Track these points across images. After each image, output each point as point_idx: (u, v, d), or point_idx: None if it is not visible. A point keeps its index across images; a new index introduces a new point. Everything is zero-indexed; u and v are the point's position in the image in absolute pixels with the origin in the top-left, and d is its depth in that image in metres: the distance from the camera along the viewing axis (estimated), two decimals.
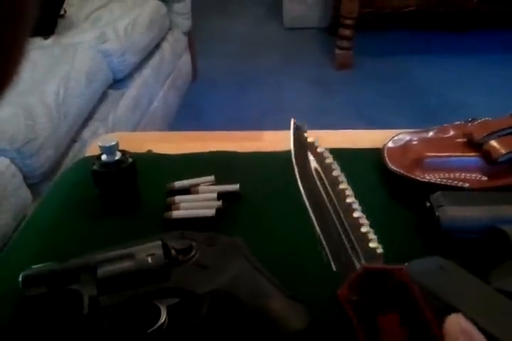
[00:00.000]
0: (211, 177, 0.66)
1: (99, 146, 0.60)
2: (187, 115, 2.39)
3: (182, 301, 0.46)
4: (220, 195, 0.63)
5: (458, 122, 0.70)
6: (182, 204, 0.62)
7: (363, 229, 0.36)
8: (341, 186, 0.38)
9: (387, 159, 0.67)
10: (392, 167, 0.65)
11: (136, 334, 0.44)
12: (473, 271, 0.46)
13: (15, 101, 1.33)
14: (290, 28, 3.32)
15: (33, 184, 1.35)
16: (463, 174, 0.62)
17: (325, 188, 0.38)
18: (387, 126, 0.80)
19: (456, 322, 0.30)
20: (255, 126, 2.02)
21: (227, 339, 0.45)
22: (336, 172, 0.39)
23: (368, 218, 0.61)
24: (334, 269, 0.36)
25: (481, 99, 2.40)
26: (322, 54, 3.00)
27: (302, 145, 0.41)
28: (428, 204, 0.57)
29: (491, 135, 0.63)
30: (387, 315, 0.31)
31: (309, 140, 0.43)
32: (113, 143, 0.60)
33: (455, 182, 0.62)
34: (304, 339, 0.43)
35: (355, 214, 0.37)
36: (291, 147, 0.44)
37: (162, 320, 0.45)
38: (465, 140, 0.66)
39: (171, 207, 0.62)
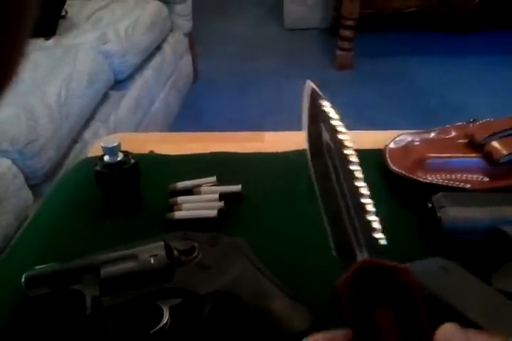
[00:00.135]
0: (213, 178, 0.66)
1: (102, 147, 0.60)
2: (188, 116, 2.39)
3: (184, 302, 0.46)
4: (222, 196, 0.63)
5: (459, 123, 0.71)
6: (184, 205, 0.62)
7: (369, 217, 0.34)
8: (351, 167, 0.35)
9: (388, 160, 0.67)
10: (394, 168, 0.65)
11: (139, 334, 0.45)
12: (475, 272, 0.46)
13: (16, 102, 1.33)
14: (291, 29, 3.32)
15: (34, 185, 1.35)
16: (464, 175, 0.62)
17: (334, 167, 0.35)
18: (387, 127, 0.80)
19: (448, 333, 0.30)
20: (255, 127, 2.01)
21: (230, 339, 0.45)
22: (348, 150, 0.36)
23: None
24: (334, 255, 0.35)
25: (482, 100, 2.40)
26: (323, 55, 3.00)
27: (316, 114, 0.38)
28: (430, 205, 0.57)
29: (493, 136, 0.63)
30: (382, 311, 0.31)
31: (325, 109, 0.39)
32: (115, 144, 0.60)
33: (457, 183, 0.62)
34: None
35: (363, 200, 0.35)
36: (304, 116, 0.40)
37: (164, 321, 0.45)
38: (466, 141, 0.66)
39: (173, 207, 0.62)
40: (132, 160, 0.62)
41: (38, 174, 1.34)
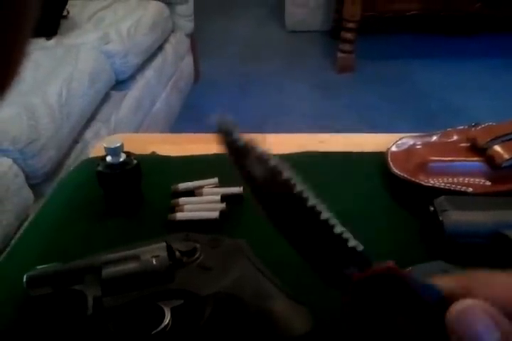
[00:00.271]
0: (215, 180, 0.66)
1: (104, 148, 0.60)
2: (189, 116, 2.39)
3: (186, 303, 0.46)
4: (224, 197, 0.63)
5: (461, 127, 0.71)
6: (186, 206, 0.62)
7: (336, 231, 0.34)
8: (297, 189, 0.33)
9: (390, 163, 0.67)
10: (396, 171, 0.65)
11: (140, 335, 0.45)
12: None
13: (17, 102, 1.33)
14: (292, 31, 3.32)
15: (35, 184, 1.35)
16: (467, 179, 0.62)
17: (279, 196, 0.33)
18: (388, 130, 0.80)
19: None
20: (256, 128, 2.01)
21: (231, 340, 0.45)
22: (286, 173, 0.33)
23: (370, 221, 0.62)
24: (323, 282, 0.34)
25: (483, 103, 2.40)
26: (324, 57, 3.01)
27: (236, 153, 0.34)
28: (432, 208, 0.57)
29: (495, 140, 0.64)
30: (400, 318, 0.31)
31: (242, 144, 0.34)
32: (118, 145, 0.60)
33: (459, 186, 0.62)
34: None
35: (323, 216, 0.34)
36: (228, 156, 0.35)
37: (166, 322, 0.45)
38: (469, 145, 0.66)
39: (175, 208, 0.62)
40: (134, 161, 0.62)
41: (38, 173, 1.34)
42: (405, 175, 0.64)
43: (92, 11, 1.98)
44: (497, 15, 2.78)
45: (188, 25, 2.42)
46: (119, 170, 0.61)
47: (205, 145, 0.78)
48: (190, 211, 0.62)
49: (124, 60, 1.81)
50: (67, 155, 1.50)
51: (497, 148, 0.63)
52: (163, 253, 0.48)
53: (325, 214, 0.34)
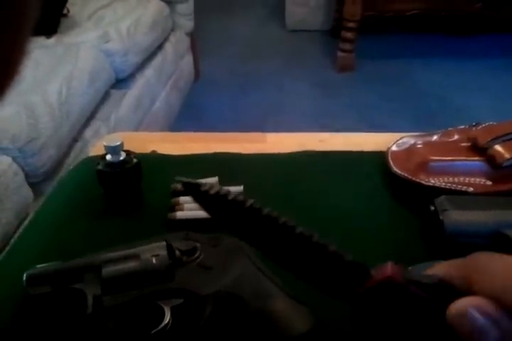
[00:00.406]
0: (215, 179, 0.66)
1: (104, 146, 0.60)
2: (188, 115, 2.39)
3: (186, 302, 0.46)
4: None
5: (462, 126, 0.70)
6: (186, 205, 0.62)
7: (331, 248, 0.34)
8: (282, 220, 0.34)
9: (391, 162, 0.67)
10: (396, 170, 0.65)
11: (140, 334, 0.44)
12: None
13: (17, 101, 1.33)
14: (292, 30, 3.32)
15: (34, 183, 1.35)
16: (467, 178, 0.62)
17: (269, 231, 0.34)
18: (388, 129, 0.80)
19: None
20: (256, 127, 2.02)
21: (231, 340, 0.45)
22: (266, 209, 0.34)
23: (370, 221, 0.62)
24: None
25: (483, 103, 2.40)
26: (324, 56, 3.00)
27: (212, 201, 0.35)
28: (432, 208, 0.57)
29: (496, 139, 0.63)
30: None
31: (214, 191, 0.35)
32: (118, 143, 0.60)
33: (459, 186, 0.62)
34: (307, 340, 0.43)
35: (315, 239, 0.35)
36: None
37: (166, 321, 0.45)
38: (469, 144, 0.66)
39: (175, 207, 0.62)
40: (135, 160, 0.62)
41: (38, 172, 1.34)
42: (406, 175, 0.64)
43: (92, 9, 1.98)
44: (497, 16, 2.78)
45: (188, 24, 2.42)
46: (119, 169, 0.61)
47: (206, 143, 0.78)
48: (190, 210, 0.61)
49: (123, 59, 1.80)
50: (66, 153, 1.50)
51: (498, 147, 0.63)
52: (163, 252, 0.47)
53: (315, 238, 0.35)
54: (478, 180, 0.62)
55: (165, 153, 0.75)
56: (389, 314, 0.32)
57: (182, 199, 0.63)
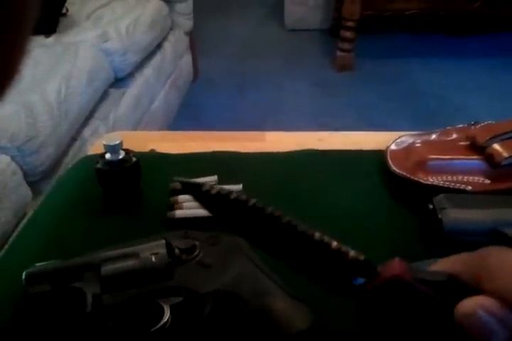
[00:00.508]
0: (214, 177, 0.66)
1: (104, 145, 0.60)
2: (187, 115, 2.39)
3: (185, 300, 0.46)
4: None
5: (461, 125, 0.71)
6: (185, 204, 0.62)
7: (333, 246, 0.34)
8: (285, 219, 0.34)
9: (390, 161, 0.67)
10: (395, 169, 0.65)
11: (139, 333, 0.44)
12: None
13: (16, 99, 1.33)
14: (291, 29, 3.32)
15: (33, 182, 1.35)
16: (466, 177, 0.62)
17: (272, 230, 0.35)
18: (387, 129, 0.80)
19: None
20: (255, 126, 2.02)
21: (230, 338, 0.45)
22: (269, 208, 0.34)
23: (368, 220, 0.62)
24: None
25: (482, 103, 2.41)
26: (323, 56, 3.01)
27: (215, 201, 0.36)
28: (431, 206, 0.57)
29: (494, 138, 0.64)
30: None
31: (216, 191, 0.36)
32: (117, 142, 0.60)
33: (458, 184, 0.62)
34: (306, 338, 0.43)
35: (317, 237, 0.35)
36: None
37: (165, 319, 0.45)
38: (468, 143, 0.66)
39: (174, 206, 0.62)
40: (134, 159, 0.62)
41: (36, 171, 1.34)
42: (404, 173, 0.64)
43: (91, 9, 1.98)
44: (496, 15, 2.78)
45: (187, 23, 2.42)
46: (118, 168, 0.61)
47: (204, 142, 0.78)
48: (190, 208, 0.61)
49: (122, 58, 1.80)
50: (65, 152, 1.50)
51: (496, 146, 0.63)
52: (163, 251, 0.47)
53: (317, 235, 0.35)
54: (476, 178, 0.62)
55: (164, 151, 0.75)
56: (396, 311, 0.32)
57: (181, 197, 0.63)
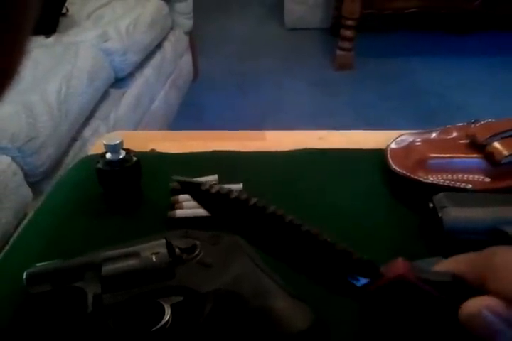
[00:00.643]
0: (214, 177, 0.66)
1: (104, 145, 0.60)
2: (187, 114, 2.39)
3: (186, 300, 0.46)
4: None
5: (461, 123, 0.71)
6: (186, 204, 0.62)
7: (339, 247, 0.34)
8: (288, 218, 0.34)
9: (390, 160, 0.67)
10: (395, 168, 0.65)
11: (140, 332, 0.45)
12: None
13: (16, 100, 1.33)
14: (291, 28, 3.32)
15: (33, 182, 1.35)
16: (466, 175, 0.62)
17: (274, 229, 0.34)
18: (387, 128, 0.80)
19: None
20: (255, 125, 2.02)
21: (231, 338, 0.45)
22: (272, 207, 0.34)
23: (368, 219, 0.62)
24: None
25: (483, 102, 2.40)
26: (323, 55, 3.00)
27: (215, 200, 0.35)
28: (431, 205, 0.57)
29: (494, 136, 0.64)
30: None
31: (216, 190, 0.35)
32: (118, 142, 0.60)
33: (458, 183, 0.62)
34: (307, 338, 0.43)
35: (321, 237, 0.34)
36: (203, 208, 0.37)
37: (166, 319, 0.45)
38: (468, 141, 0.66)
39: (174, 206, 0.62)
40: (134, 158, 0.62)
41: (37, 171, 1.34)
42: (404, 172, 0.64)
43: (91, 8, 1.98)
44: (496, 14, 2.78)
45: (187, 23, 2.42)
46: (118, 168, 0.61)
47: (205, 142, 0.78)
48: (190, 208, 0.62)
49: (123, 58, 1.80)
50: (66, 153, 1.50)
51: (496, 144, 0.63)
52: (163, 250, 0.48)
53: (322, 235, 0.34)
54: (476, 177, 0.62)
55: (164, 151, 0.75)
56: (400, 312, 0.32)
57: (181, 197, 0.63)
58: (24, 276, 0.48)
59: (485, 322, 0.28)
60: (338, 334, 0.46)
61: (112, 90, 1.80)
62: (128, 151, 0.62)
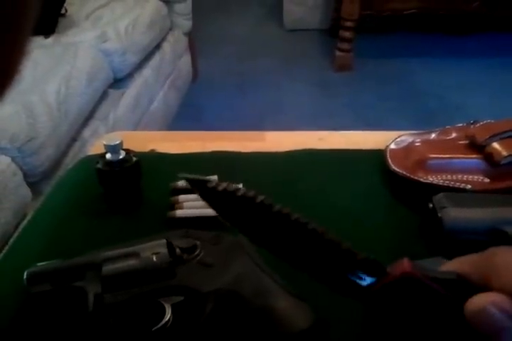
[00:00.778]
0: (214, 177, 0.66)
1: (104, 145, 0.60)
2: (187, 115, 2.39)
3: (186, 299, 0.46)
4: None
5: (460, 124, 0.71)
6: (186, 204, 0.62)
7: (344, 246, 0.34)
8: (294, 216, 0.34)
9: (389, 160, 0.67)
10: (395, 168, 0.65)
11: (141, 332, 0.45)
12: None
13: (16, 100, 1.33)
14: (290, 29, 3.32)
15: (33, 182, 1.35)
16: (465, 176, 0.63)
17: (278, 227, 0.34)
18: (386, 129, 0.81)
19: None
20: (254, 126, 2.02)
21: (232, 337, 0.46)
22: (277, 206, 0.34)
23: (368, 219, 0.62)
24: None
25: (482, 102, 2.41)
26: (322, 56, 3.01)
27: (219, 199, 0.35)
28: (431, 205, 0.58)
29: (493, 137, 0.64)
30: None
31: (222, 188, 0.34)
32: (117, 142, 0.60)
33: (457, 183, 0.62)
34: (308, 338, 0.43)
35: (327, 236, 0.34)
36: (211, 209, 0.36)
37: (167, 318, 0.45)
38: (467, 142, 0.66)
39: (174, 206, 0.62)
40: (134, 158, 0.62)
41: (36, 172, 1.34)
42: (404, 172, 0.64)
43: (90, 9, 1.98)
44: (495, 15, 2.78)
45: (186, 23, 2.42)
46: (118, 168, 0.61)
47: (204, 142, 0.78)
48: (190, 208, 0.62)
49: (122, 59, 1.80)
50: (65, 153, 1.50)
51: (495, 145, 0.63)
52: (164, 250, 0.48)
53: (328, 234, 0.34)
54: (476, 177, 0.63)
55: (164, 151, 0.75)
56: (406, 311, 0.32)
57: (181, 197, 0.63)
58: (25, 276, 0.48)
59: (490, 318, 0.28)
60: (338, 334, 0.46)
61: (111, 91, 1.80)
62: (128, 151, 0.62)
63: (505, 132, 0.64)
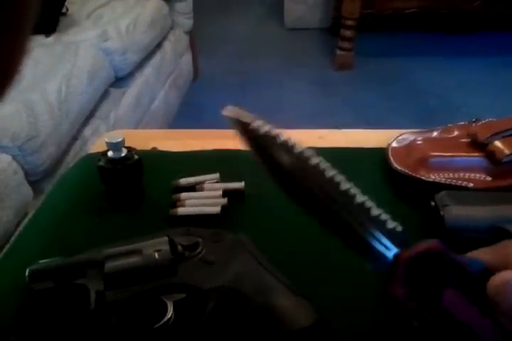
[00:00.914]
0: (216, 175, 0.66)
1: (106, 142, 0.60)
2: (188, 114, 2.39)
3: (188, 297, 0.46)
4: (225, 193, 0.63)
5: (462, 122, 0.71)
6: (187, 202, 0.62)
7: (373, 213, 0.34)
8: (328, 174, 0.34)
9: (391, 159, 0.67)
10: (397, 166, 0.65)
11: (143, 329, 0.45)
12: None
13: (17, 99, 1.33)
14: (291, 28, 3.32)
15: (34, 181, 1.35)
16: (467, 174, 0.63)
17: (310, 182, 0.34)
18: (387, 128, 0.80)
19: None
20: None
21: (233, 334, 0.46)
22: (315, 159, 0.34)
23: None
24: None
25: (483, 102, 2.41)
26: (323, 55, 3.00)
27: (258, 141, 0.35)
28: (433, 203, 0.58)
29: (495, 135, 0.64)
30: (448, 293, 0.32)
31: (263, 132, 0.35)
32: (119, 140, 0.60)
33: (459, 182, 0.62)
34: (309, 336, 0.43)
35: (359, 200, 0.34)
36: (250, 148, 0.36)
37: (169, 316, 0.45)
38: (469, 140, 0.66)
39: (176, 204, 0.62)
40: (136, 156, 0.62)
41: (37, 170, 1.34)
42: (406, 171, 0.64)
43: (90, 8, 1.98)
44: (496, 14, 2.78)
45: (187, 22, 2.42)
46: (120, 166, 0.61)
47: (206, 140, 0.78)
48: (192, 206, 0.62)
49: (122, 57, 1.80)
50: (66, 152, 1.50)
51: (497, 143, 0.63)
52: (166, 247, 0.48)
53: (360, 198, 0.34)
54: (478, 175, 0.62)
55: (166, 149, 0.75)
56: (430, 284, 0.32)
57: (183, 195, 0.63)
58: (27, 273, 0.48)
59: (510, 292, 0.30)
60: (340, 332, 0.46)
61: (112, 90, 1.80)
62: (129, 149, 0.62)
63: (507, 130, 0.64)
